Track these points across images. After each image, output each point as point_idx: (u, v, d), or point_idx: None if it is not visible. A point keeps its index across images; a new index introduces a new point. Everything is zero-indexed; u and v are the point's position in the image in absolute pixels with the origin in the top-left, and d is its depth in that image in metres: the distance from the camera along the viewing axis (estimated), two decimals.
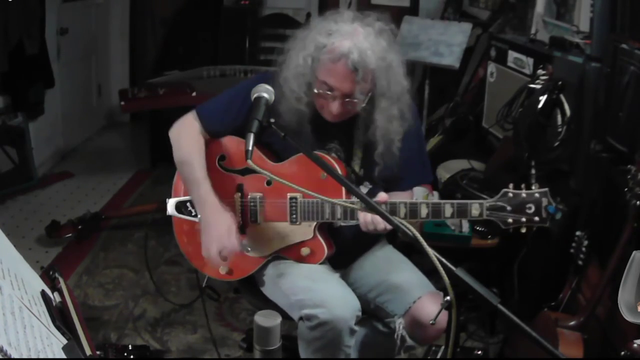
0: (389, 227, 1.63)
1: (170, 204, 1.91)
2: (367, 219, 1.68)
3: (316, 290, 1.71)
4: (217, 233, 1.74)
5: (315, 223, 1.78)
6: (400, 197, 1.86)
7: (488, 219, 1.62)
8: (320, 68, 1.69)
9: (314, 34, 1.71)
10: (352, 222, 1.74)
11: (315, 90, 1.71)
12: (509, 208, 1.60)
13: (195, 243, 1.91)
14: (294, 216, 1.78)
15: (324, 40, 1.68)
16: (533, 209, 1.59)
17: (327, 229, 1.84)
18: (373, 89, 1.72)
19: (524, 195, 1.60)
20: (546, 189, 1.60)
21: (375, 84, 1.70)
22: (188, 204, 1.89)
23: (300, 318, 1.72)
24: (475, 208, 1.63)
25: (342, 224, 1.81)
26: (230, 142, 1.87)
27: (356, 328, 1.74)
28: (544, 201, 1.59)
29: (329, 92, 1.69)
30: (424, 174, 1.99)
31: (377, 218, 1.64)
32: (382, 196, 1.67)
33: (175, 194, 1.94)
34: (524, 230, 1.62)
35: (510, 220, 1.60)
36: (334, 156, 1.81)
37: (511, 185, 1.62)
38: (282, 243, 1.82)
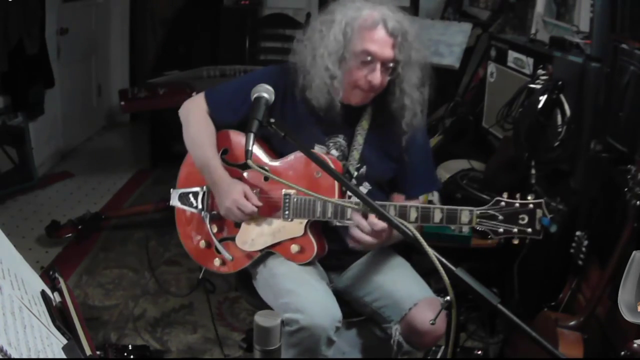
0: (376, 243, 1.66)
1: (174, 195, 1.95)
2: (356, 238, 1.69)
3: (299, 295, 1.70)
4: (232, 198, 1.77)
5: (306, 221, 1.79)
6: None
7: (479, 225, 1.59)
8: (357, 38, 1.72)
9: (339, 13, 1.75)
10: (346, 223, 1.74)
11: (355, 62, 1.73)
12: (500, 217, 1.56)
13: (193, 233, 1.95)
14: (287, 213, 1.79)
15: (354, 14, 1.73)
16: (526, 219, 1.55)
17: (321, 229, 1.83)
18: (402, 57, 1.75)
19: (517, 205, 1.55)
20: (541, 200, 1.55)
21: (405, 52, 1.75)
22: (190, 196, 1.92)
23: (282, 322, 1.72)
24: (465, 215, 1.60)
25: (338, 223, 1.81)
26: (234, 137, 1.91)
27: (335, 338, 1.71)
28: (538, 212, 1.54)
29: (369, 60, 1.72)
30: (433, 182, 2.00)
31: (367, 242, 1.67)
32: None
33: (179, 185, 1.98)
34: (516, 242, 1.57)
35: (501, 230, 1.56)
36: (331, 156, 1.82)
37: (505, 195, 1.58)
38: (274, 239, 1.83)
